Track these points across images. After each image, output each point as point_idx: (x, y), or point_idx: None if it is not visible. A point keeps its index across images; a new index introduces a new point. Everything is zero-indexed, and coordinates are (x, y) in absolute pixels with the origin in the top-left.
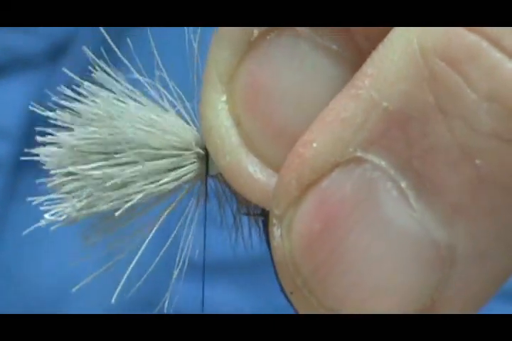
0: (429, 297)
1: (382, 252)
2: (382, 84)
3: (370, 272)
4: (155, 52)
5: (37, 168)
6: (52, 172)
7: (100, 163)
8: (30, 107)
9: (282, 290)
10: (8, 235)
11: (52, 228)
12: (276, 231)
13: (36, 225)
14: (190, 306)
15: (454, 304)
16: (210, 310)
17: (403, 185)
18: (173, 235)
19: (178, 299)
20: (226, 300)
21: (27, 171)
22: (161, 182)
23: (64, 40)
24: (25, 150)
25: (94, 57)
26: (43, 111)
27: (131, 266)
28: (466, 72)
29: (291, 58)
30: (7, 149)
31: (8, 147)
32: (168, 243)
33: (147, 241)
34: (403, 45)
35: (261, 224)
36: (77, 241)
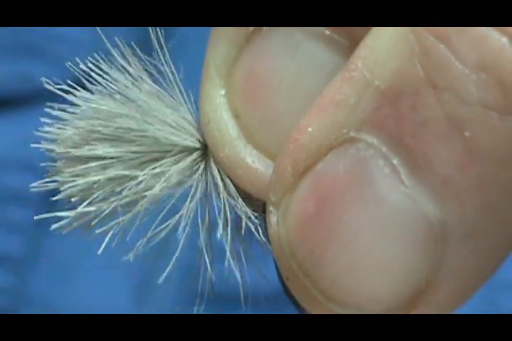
0: (424, 277)
1: (376, 231)
2: (374, 64)
3: (364, 252)
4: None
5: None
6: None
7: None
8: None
9: (282, 283)
10: (41, 267)
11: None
12: (272, 218)
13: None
14: None
15: (449, 284)
16: None
17: (395, 161)
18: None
19: None
20: None
21: (56, 203)
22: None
23: (83, 71)
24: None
25: None
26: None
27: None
28: (454, 44)
29: (286, 47)
30: (34, 182)
31: (35, 180)
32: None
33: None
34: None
35: (263, 222)
36: (109, 273)
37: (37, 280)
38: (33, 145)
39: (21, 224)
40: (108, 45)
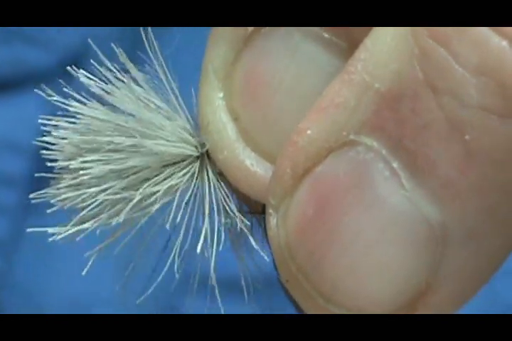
0: (424, 278)
1: (377, 233)
2: (374, 67)
3: (365, 253)
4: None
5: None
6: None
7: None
8: (41, 121)
9: (281, 284)
10: (24, 252)
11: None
12: (272, 221)
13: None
14: None
15: (449, 286)
16: None
17: (395, 165)
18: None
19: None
20: None
21: (42, 187)
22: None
23: (76, 55)
24: (40, 165)
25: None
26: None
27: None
28: (454, 47)
29: (285, 49)
30: (21, 165)
31: (23, 163)
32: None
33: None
34: (394, 28)
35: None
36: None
37: (21, 263)
38: (23, 129)
39: (7, 206)
40: (101, 54)
